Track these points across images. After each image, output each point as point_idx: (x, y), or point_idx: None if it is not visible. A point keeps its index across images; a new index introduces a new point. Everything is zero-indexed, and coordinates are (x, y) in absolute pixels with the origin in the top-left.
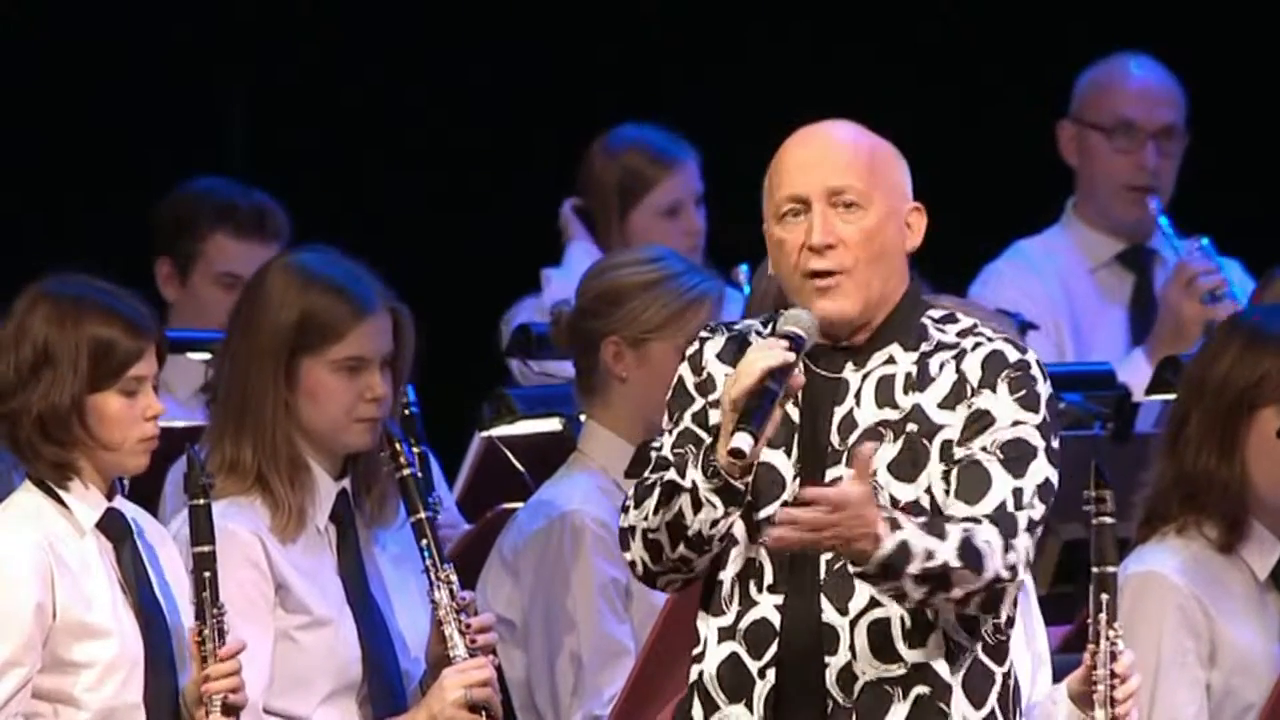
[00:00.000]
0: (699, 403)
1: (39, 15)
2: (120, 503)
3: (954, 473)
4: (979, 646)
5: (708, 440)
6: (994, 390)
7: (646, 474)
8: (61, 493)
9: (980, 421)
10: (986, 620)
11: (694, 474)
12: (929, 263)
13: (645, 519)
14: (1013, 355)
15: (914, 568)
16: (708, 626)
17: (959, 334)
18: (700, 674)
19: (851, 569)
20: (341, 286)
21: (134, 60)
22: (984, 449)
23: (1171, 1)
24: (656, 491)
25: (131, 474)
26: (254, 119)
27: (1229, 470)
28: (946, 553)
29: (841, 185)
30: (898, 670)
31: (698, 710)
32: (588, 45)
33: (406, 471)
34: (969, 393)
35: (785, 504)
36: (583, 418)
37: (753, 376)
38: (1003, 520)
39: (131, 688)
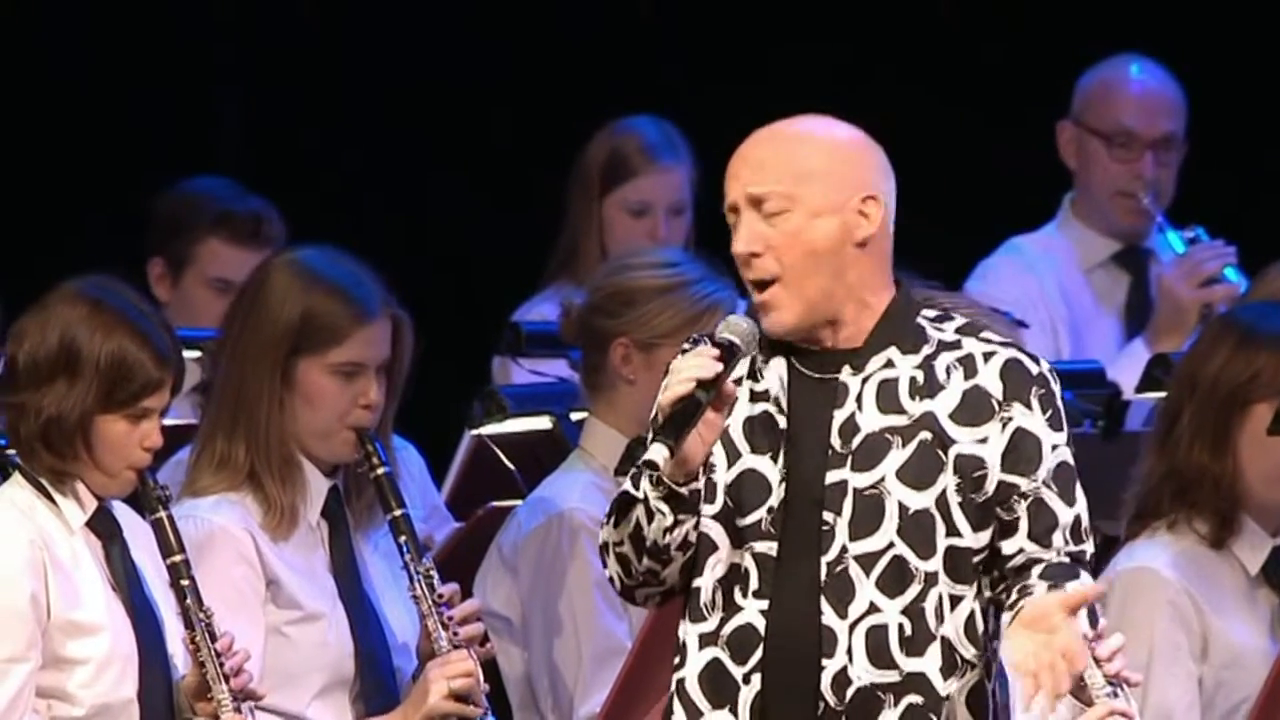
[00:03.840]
0: None
1: (35, 13)
2: (108, 500)
3: (1022, 510)
4: (983, 663)
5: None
6: (1028, 407)
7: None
8: (52, 490)
9: (1024, 446)
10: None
11: (644, 484)
12: (924, 258)
13: (612, 533)
14: (1032, 367)
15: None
16: (687, 633)
17: (958, 330)
18: (681, 681)
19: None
20: (344, 289)
21: (128, 54)
22: (1044, 483)
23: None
24: (617, 505)
25: (115, 497)
26: (248, 115)
27: (1221, 466)
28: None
29: (759, 193)
30: (892, 677)
31: (679, 717)
32: (591, 45)
33: (381, 470)
34: (995, 408)
35: (770, 509)
36: (575, 416)
37: (681, 386)
38: (1079, 564)
39: (126, 683)
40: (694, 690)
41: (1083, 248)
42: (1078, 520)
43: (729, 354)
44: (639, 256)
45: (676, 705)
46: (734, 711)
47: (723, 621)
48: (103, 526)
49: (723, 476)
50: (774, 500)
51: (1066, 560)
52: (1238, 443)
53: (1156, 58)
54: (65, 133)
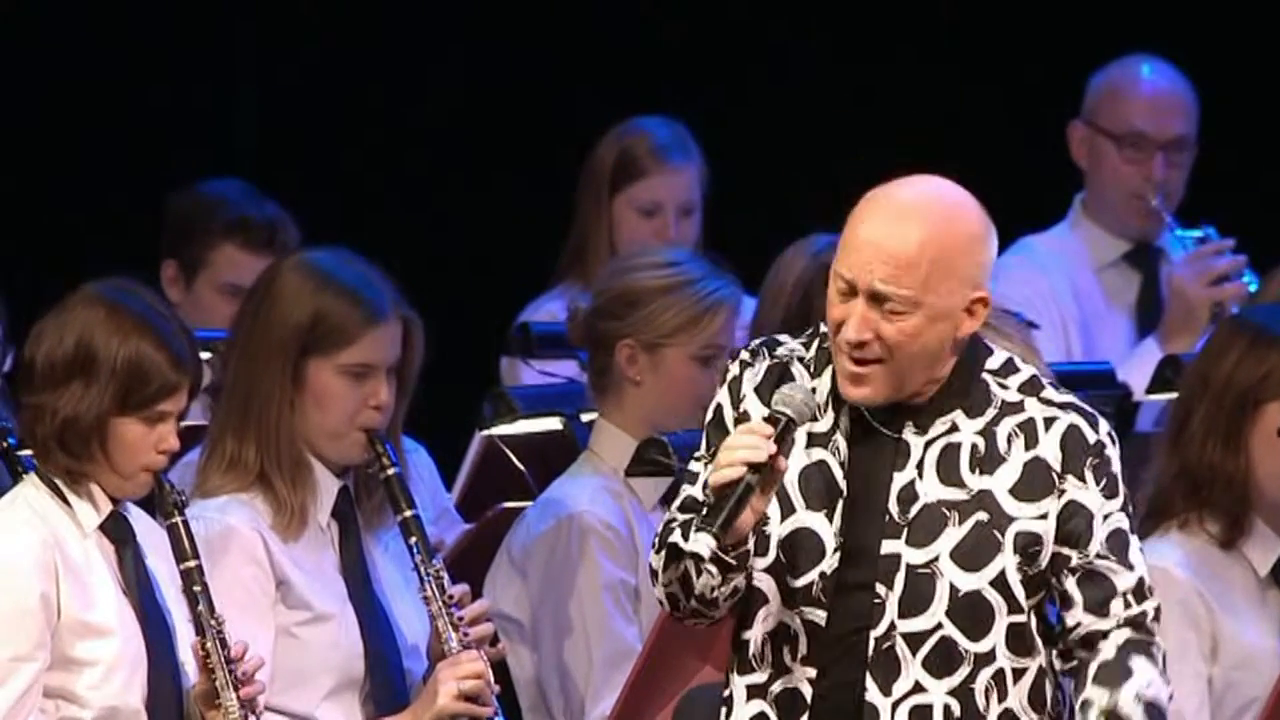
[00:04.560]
0: None
1: (51, 10)
2: (123, 505)
3: (1071, 583)
4: None
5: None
6: (1081, 479)
7: (673, 513)
8: (67, 492)
9: (1076, 520)
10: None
11: (692, 542)
12: None
13: (660, 570)
14: (1090, 435)
15: None
16: (735, 684)
17: (1020, 388)
18: None
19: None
20: (355, 291)
21: (142, 52)
22: (1098, 555)
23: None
24: (665, 550)
25: (130, 499)
26: (260, 116)
27: (1233, 464)
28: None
29: (886, 292)
30: None
31: None
32: (595, 46)
33: (391, 471)
34: (1054, 480)
35: (823, 575)
36: (585, 417)
37: (731, 471)
38: (1139, 628)
39: (134, 689)
40: None
41: (1094, 247)
42: (1140, 583)
43: (783, 431)
44: (641, 257)
45: None
46: None
47: (771, 678)
48: (116, 531)
49: (776, 529)
50: (826, 566)
51: (1128, 630)
52: (1249, 442)
53: (1168, 57)
54: (78, 132)
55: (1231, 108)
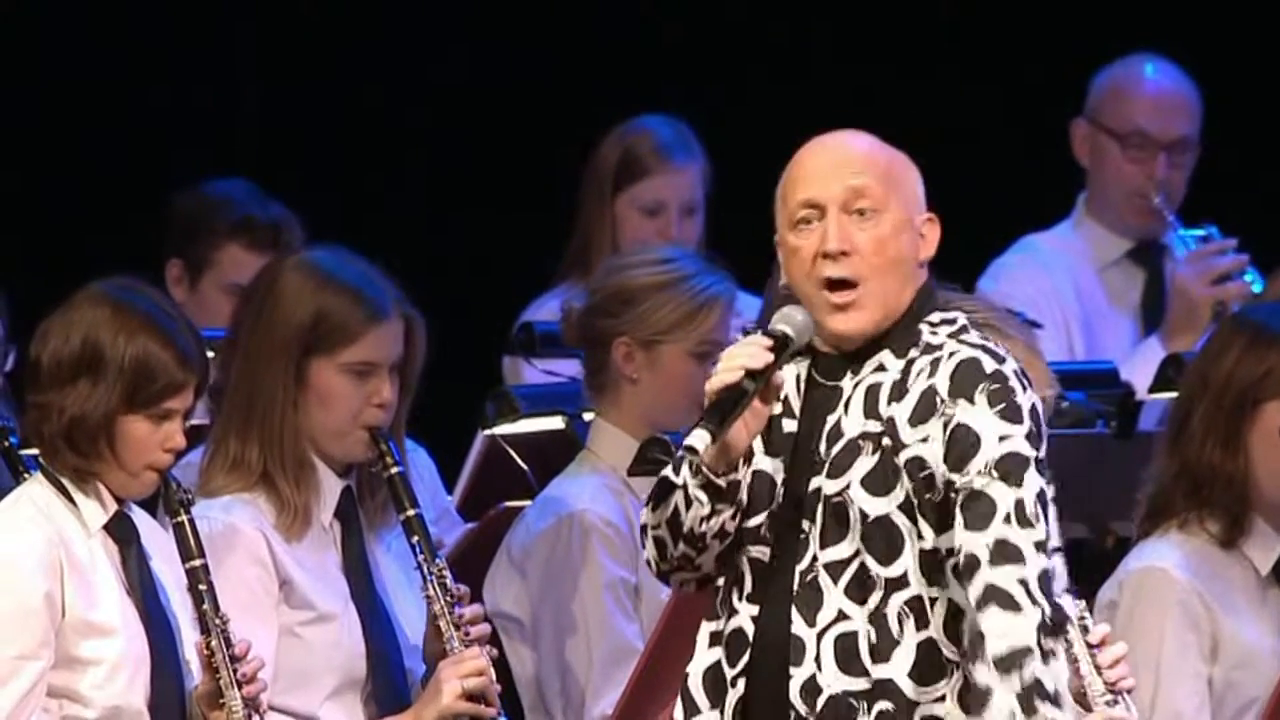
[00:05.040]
0: None
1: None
2: (127, 505)
3: (957, 504)
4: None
5: None
6: (971, 402)
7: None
8: (73, 491)
9: (965, 441)
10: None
11: (684, 472)
12: (937, 256)
13: (650, 516)
14: (989, 364)
15: None
16: (702, 630)
17: (950, 334)
18: (687, 676)
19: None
20: (356, 289)
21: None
22: (979, 473)
23: None
24: (656, 489)
25: (135, 498)
26: (261, 116)
27: (1233, 464)
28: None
29: (859, 186)
30: (863, 684)
31: (679, 713)
32: (598, 46)
33: (395, 470)
34: (938, 405)
35: (771, 514)
36: (587, 416)
37: (729, 374)
38: (1008, 559)
39: (137, 689)
40: (696, 688)
41: (1097, 246)
42: (1020, 505)
43: (781, 345)
44: (635, 255)
45: (679, 701)
46: (722, 713)
47: (725, 622)
48: (121, 531)
49: (744, 475)
50: (774, 505)
51: (989, 573)
52: (1249, 442)
53: (1170, 56)
54: (78, 132)
55: (1233, 106)
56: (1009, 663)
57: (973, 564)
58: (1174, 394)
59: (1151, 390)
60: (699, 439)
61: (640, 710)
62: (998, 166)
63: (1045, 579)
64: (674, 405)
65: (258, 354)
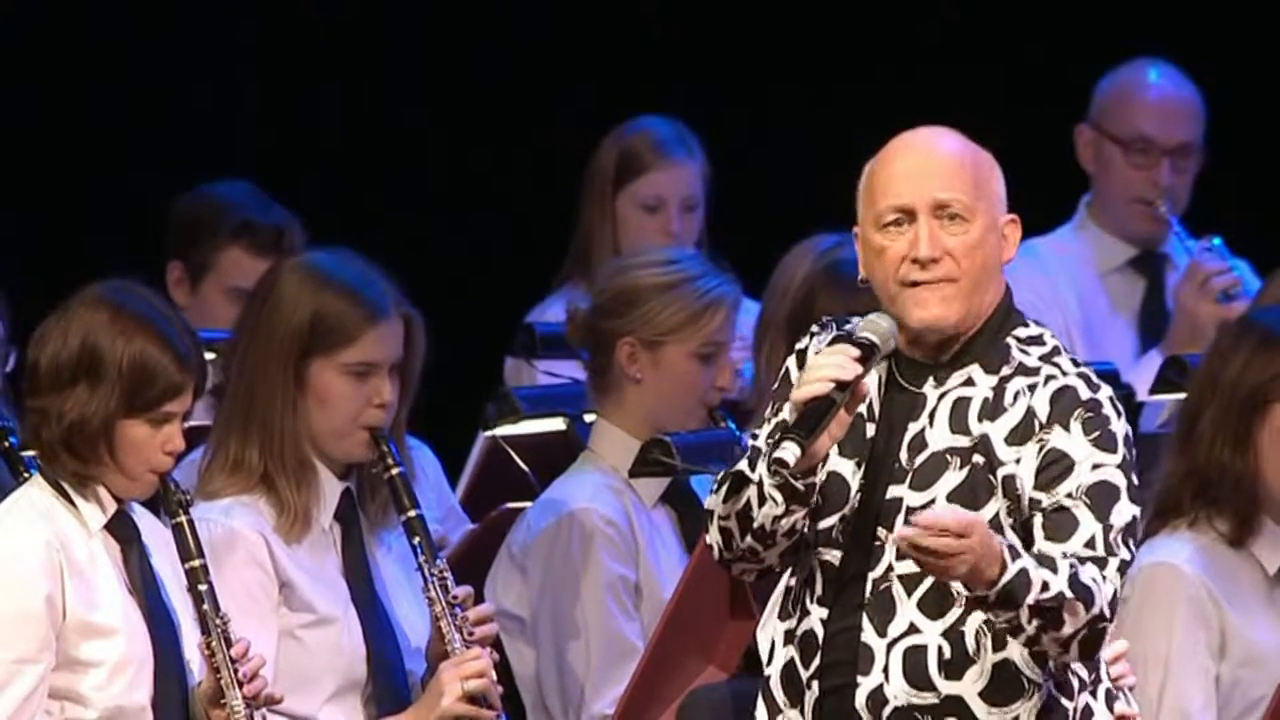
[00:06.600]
0: None
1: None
2: (128, 504)
3: (1039, 519)
4: (1050, 682)
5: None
6: (1066, 429)
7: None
8: (73, 493)
9: (1059, 465)
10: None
11: (760, 468)
12: None
13: (719, 505)
14: (1084, 393)
15: (1031, 597)
16: (777, 630)
17: (1041, 358)
18: (767, 678)
19: (965, 591)
20: (355, 290)
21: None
22: (1069, 495)
23: (1187, 2)
24: (729, 481)
25: (136, 500)
26: (261, 116)
27: (1242, 463)
28: (1060, 583)
29: (948, 199)
30: (930, 699)
31: (762, 712)
32: (600, 46)
33: (396, 471)
34: (1037, 429)
35: (843, 518)
36: (588, 417)
37: (818, 386)
38: (1095, 561)
39: (139, 688)
40: (775, 687)
41: (1099, 251)
42: (1104, 535)
43: (868, 354)
44: (640, 256)
45: (760, 702)
46: (803, 713)
47: (798, 623)
48: (121, 530)
49: (820, 476)
50: (848, 510)
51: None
52: (1258, 442)
53: (1173, 60)
54: (78, 132)
55: (1237, 111)
56: (1074, 583)
57: (1049, 566)
58: (1174, 395)
59: (1152, 391)
60: (789, 452)
61: (641, 709)
62: (1003, 169)
63: (1113, 603)
64: (677, 406)
65: (258, 356)
